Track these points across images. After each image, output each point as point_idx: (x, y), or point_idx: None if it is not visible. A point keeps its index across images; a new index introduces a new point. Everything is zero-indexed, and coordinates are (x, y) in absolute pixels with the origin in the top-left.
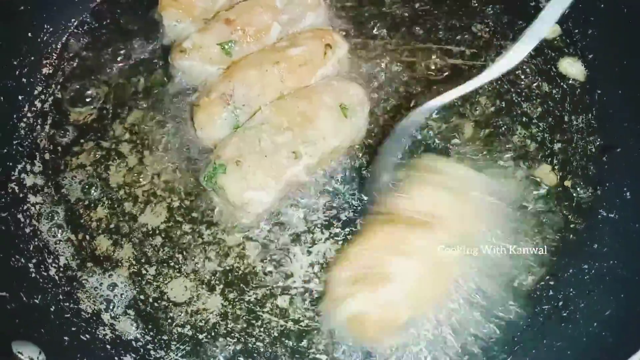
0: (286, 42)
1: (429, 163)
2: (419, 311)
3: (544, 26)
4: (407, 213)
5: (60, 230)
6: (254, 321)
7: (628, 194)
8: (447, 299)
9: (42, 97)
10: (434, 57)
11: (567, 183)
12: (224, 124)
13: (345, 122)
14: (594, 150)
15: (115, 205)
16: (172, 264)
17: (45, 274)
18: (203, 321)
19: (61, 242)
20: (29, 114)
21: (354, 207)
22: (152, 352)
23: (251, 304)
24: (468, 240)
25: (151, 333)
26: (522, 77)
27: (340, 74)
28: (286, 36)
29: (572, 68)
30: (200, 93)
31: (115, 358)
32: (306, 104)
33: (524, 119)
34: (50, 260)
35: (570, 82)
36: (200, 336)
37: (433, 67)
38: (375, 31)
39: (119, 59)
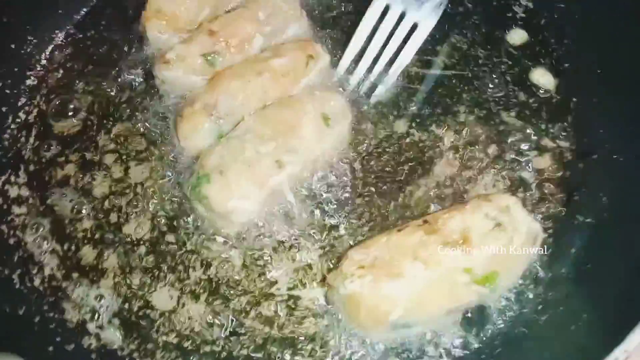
0: (269, 53)
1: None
2: (413, 315)
3: None
4: (443, 227)
5: (44, 241)
6: (238, 329)
7: (604, 198)
8: (445, 316)
9: (27, 108)
10: (414, 67)
11: (544, 189)
12: (207, 134)
13: (327, 131)
14: (570, 156)
15: (100, 216)
16: (156, 273)
17: (29, 284)
18: (188, 329)
19: (46, 253)
20: (12, 125)
21: (337, 213)
22: None
23: (236, 312)
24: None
25: (136, 342)
26: (500, 86)
27: (323, 83)
28: (269, 47)
29: (543, 78)
30: (184, 104)
31: None
32: (289, 113)
33: (501, 127)
34: (34, 271)
35: (546, 91)
36: (185, 344)
37: (414, 77)
38: None
39: (103, 70)
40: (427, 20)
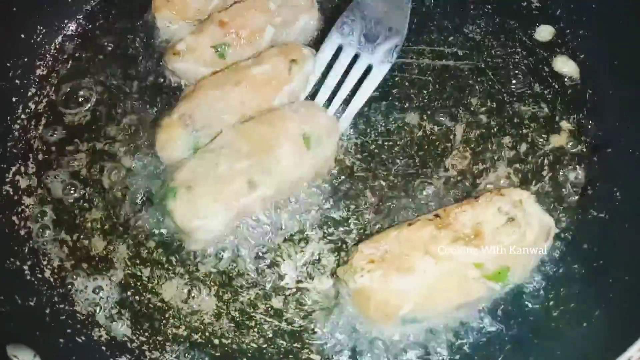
0: (250, 61)
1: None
2: (423, 310)
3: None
4: (455, 222)
5: (54, 232)
6: (247, 322)
7: (618, 194)
8: (455, 311)
9: (36, 98)
10: (425, 58)
11: (558, 183)
12: (183, 145)
13: (307, 154)
14: (584, 150)
15: (109, 207)
16: (166, 265)
17: (40, 276)
18: (197, 322)
19: (56, 244)
20: (22, 116)
21: (346, 207)
22: (147, 353)
23: (245, 305)
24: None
25: (146, 334)
26: (514, 78)
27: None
28: (253, 55)
29: (566, 66)
30: (165, 112)
31: (111, 359)
32: (268, 130)
33: (515, 119)
34: (45, 262)
35: (561, 82)
36: (195, 337)
37: (425, 68)
38: None
39: (112, 60)
40: (380, 65)
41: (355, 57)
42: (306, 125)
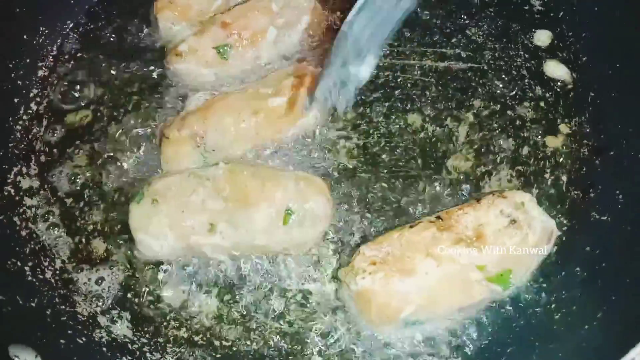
0: (270, 89)
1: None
2: (425, 313)
3: None
4: (457, 224)
5: (56, 233)
6: (249, 324)
7: (620, 196)
8: (457, 313)
9: (38, 99)
10: (428, 60)
11: (560, 185)
12: (190, 163)
13: (281, 229)
14: (586, 152)
15: (111, 208)
16: (167, 267)
17: (41, 277)
18: (198, 324)
19: (57, 245)
20: (24, 117)
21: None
22: (147, 355)
23: (246, 307)
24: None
25: (147, 336)
26: (516, 80)
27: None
28: (271, 77)
29: (557, 70)
30: (170, 121)
31: None
32: (256, 186)
33: (517, 122)
34: (46, 263)
35: (563, 86)
36: (196, 338)
37: (428, 70)
38: None
39: (114, 61)
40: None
41: None
42: (295, 202)
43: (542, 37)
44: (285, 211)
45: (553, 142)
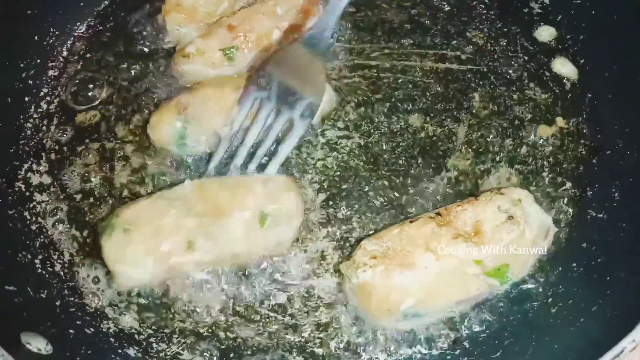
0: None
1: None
2: (424, 305)
3: None
4: (455, 220)
5: (65, 228)
6: (253, 316)
7: (616, 194)
8: (455, 306)
9: (48, 98)
10: (428, 61)
11: (558, 184)
12: (171, 131)
13: (259, 232)
14: (584, 152)
15: (119, 204)
16: None
17: (50, 269)
18: (204, 316)
19: (66, 239)
20: (35, 115)
21: (350, 205)
22: (154, 345)
23: (250, 300)
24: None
25: (153, 327)
26: (515, 81)
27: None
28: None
29: (565, 67)
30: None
31: (119, 350)
32: (227, 196)
33: (516, 122)
34: (55, 257)
35: (561, 86)
36: (201, 330)
37: (429, 71)
38: (371, 36)
39: (123, 62)
40: (301, 120)
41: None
42: (268, 204)
43: (544, 33)
44: (260, 214)
45: (545, 132)
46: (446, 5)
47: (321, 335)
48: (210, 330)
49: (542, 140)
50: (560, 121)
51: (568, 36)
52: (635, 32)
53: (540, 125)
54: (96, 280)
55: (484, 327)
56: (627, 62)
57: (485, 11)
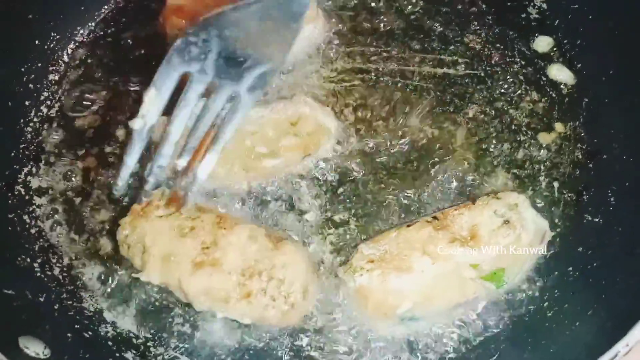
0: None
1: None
2: (421, 309)
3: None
4: (452, 224)
5: (64, 231)
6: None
7: (612, 199)
8: (452, 310)
9: (48, 102)
10: (426, 66)
11: (554, 188)
12: None
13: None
14: (580, 156)
15: (118, 208)
16: None
17: (49, 273)
18: (201, 320)
19: (65, 243)
20: (35, 119)
21: (348, 209)
22: (152, 349)
23: None
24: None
25: (151, 331)
26: (512, 86)
27: None
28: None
29: (561, 73)
30: None
31: (117, 354)
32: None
33: (513, 126)
34: (54, 260)
35: (558, 91)
36: (198, 335)
37: (427, 76)
38: (370, 41)
39: (123, 66)
40: (249, 93)
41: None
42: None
43: (542, 44)
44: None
45: (545, 139)
46: (444, 11)
47: (318, 338)
48: (208, 335)
49: (538, 145)
50: (558, 126)
51: (565, 41)
52: (631, 38)
53: (540, 134)
54: (95, 283)
55: (481, 331)
56: (623, 67)
57: (482, 16)
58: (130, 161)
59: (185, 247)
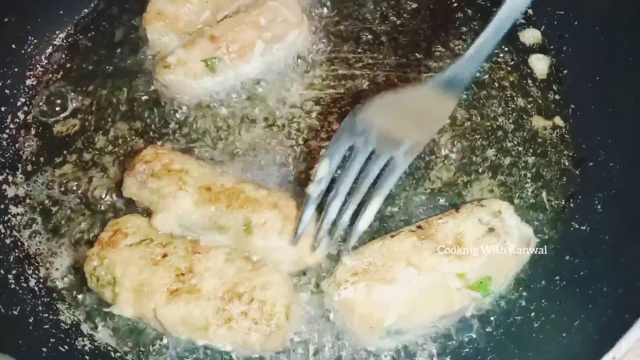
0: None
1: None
2: (407, 322)
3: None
4: (437, 233)
5: (41, 242)
6: None
7: (599, 206)
8: (439, 322)
9: (25, 108)
10: (412, 72)
11: (541, 196)
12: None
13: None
14: (566, 163)
15: (96, 216)
16: None
17: (24, 285)
18: (181, 334)
19: (42, 253)
20: (11, 125)
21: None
22: None
23: None
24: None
25: (129, 344)
26: (498, 93)
27: None
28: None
29: (539, 63)
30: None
31: None
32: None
33: (499, 133)
34: (30, 272)
35: (545, 97)
36: (178, 349)
37: (411, 81)
38: (355, 46)
39: (102, 71)
40: (404, 156)
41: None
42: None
43: (527, 34)
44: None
45: (531, 145)
46: (429, 17)
47: (303, 352)
48: (187, 349)
49: (524, 151)
50: (544, 133)
51: (551, 47)
52: (618, 45)
53: (526, 139)
54: (73, 294)
55: (467, 343)
56: (609, 76)
57: (468, 22)
58: (306, 219)
59: (158, 275)
